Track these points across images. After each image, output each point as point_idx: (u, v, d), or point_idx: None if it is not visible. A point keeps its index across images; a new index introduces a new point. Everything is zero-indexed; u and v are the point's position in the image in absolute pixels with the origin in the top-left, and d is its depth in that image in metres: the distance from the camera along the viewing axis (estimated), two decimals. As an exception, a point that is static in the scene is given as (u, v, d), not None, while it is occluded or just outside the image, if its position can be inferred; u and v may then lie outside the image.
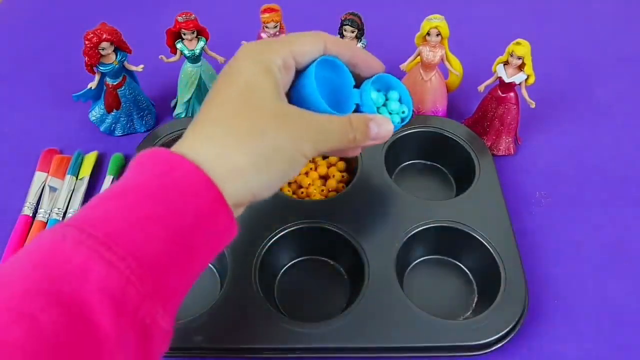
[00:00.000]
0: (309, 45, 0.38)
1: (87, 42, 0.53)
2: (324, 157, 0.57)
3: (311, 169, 0.55)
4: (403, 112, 0.43)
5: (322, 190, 0.53)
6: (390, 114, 0.42)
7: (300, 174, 0.55)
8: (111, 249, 0.27)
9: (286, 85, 0.37)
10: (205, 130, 0.33)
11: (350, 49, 0.40)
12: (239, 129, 0.33)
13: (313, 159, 0.57)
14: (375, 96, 0.41)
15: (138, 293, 0.28)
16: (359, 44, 0.56)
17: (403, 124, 0.43)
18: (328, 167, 0.55)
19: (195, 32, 0.56)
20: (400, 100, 0.43)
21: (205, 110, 0.35)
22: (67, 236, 0.27)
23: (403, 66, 0.59)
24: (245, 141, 0.33)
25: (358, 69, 0.40)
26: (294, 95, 0.38)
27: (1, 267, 0.28)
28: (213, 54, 0.58)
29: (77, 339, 0.26)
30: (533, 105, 0.55)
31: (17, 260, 0.28)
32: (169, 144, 0.55)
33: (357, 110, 0.41)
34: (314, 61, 0.38)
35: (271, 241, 0.47)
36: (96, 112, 0.59)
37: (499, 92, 0.55)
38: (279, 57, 0.36)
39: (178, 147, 0.33)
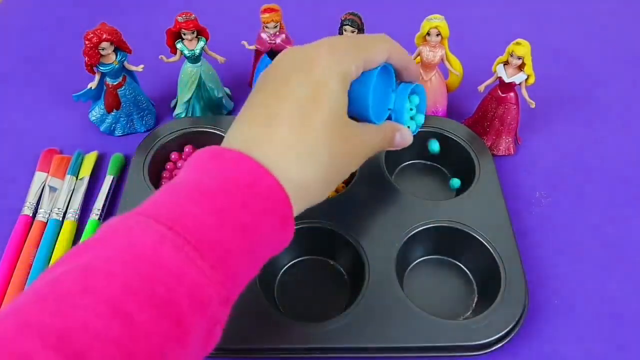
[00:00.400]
0: (380, 55, 0.38)
1: (87, 42, 0.53)
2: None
3: (311, 169, 0.55)
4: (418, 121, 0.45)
5: (322, 190, 0.53)
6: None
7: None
8: (203, 257, 0.28)
9: None
10: (278, 134, 0.33)
11: (407, 58, 0.41)
12: (313, 144, 0.33)
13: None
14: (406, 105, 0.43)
15: (219, 301, 0.29)
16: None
17: (415, 132, 0.44)
18: (328, 167, 0.55)
19: (195, 32, 0.56)
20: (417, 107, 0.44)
21: (272, 101, 0.34)
22: (166, 239, 0.28)
23: (403, 66, 0.59)
24: (319, 161, 0.34)
25: (401, 75, 0.42)
26: None
27: (90, 254, 0.28)
28: (213, 54, 0.58)
29: (169, 340, 0.27)
30: (533, 105, 0.55)
31: (109, 253, 0.28)
32: (168, 144, 0.56)
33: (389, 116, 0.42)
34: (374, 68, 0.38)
35: (271, 241, 0.47)
36: (96, 112, 0.59)
37: (499, 92, 0.55)
38: (354, 66, 0.36)
39: (250, 146, 0.33)
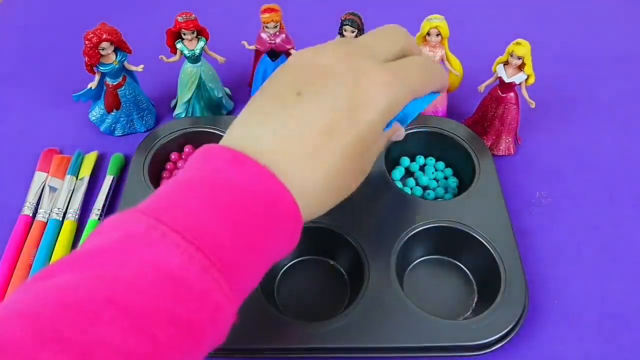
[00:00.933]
0: (428, 91, 0.38)
1: (87, 42, 0.53)
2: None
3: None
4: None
5: (322, 190, 0.53)
6: None
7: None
8: (227, 280, 0.28)
9: None
10: (303, 145, 0.32)
11: (446, 82, 0.41)
12: (334, 168, 0.33)
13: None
14: None
15: (233, 320, 0.30)
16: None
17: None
18: (328, 167, 0.55)
19: (195, 32, 0.56)
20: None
21: (307, 105, 0.33)
22: (194, 261, 0.27)
23: (403, 66, 0.59)
24: (335, 184, 0.34)
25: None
26: None
27: (112, 265, 0.27)
28: (213, 54, 0.58)
29: (188, 356, 0.27)
30: (533, 105, 0.55)
31: (133, 267, 0.27)
32: (168, 144, 0.56)
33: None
34: None
35: (271, 241, 0.47)
36: (96, 112, 0.59)
37: (499, 92, 0.55)
38: (403, 105, 0.35)
39: (271, 152, 0.32)
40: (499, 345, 0.42)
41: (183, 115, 0.60)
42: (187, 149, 0.57)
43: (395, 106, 0.35)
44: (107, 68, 0.55)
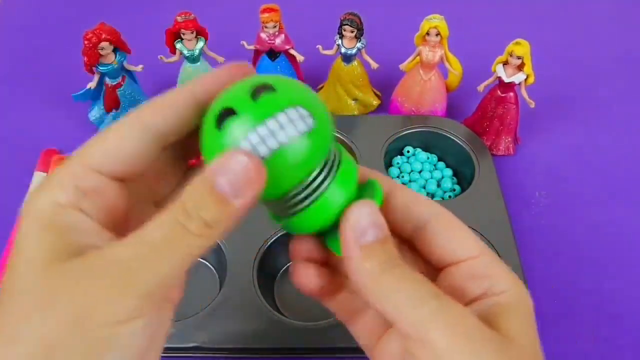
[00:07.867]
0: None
1: (86, 42, 0.53)
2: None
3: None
4: None
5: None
6: None
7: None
8: None
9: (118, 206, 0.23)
10: None
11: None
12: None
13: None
14: None
15: None
16: (359, 44, 0.56)
17: None
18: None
19: (195, 32, 0.55)
20: None
21: None
22: None
23: (402, 66, 0.59)
24: None
25: None
26: None
27: None
28: (212, 54, 0.58)
29: None
30: (532, 105, 0.55)
31: None
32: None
33: None
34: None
35: (271, 241, 0.47)
36: (95, 112, 0.59)
37: (499, 92, 0.55)
38: (62, 191, 0.22)
39: None
40: (498, 345, 0.42)
41: (182, 115, 0.60)
42: (186, 149, 0.57)
43: (37, 197, 0.22)
44: (107, 68, 0.55)
